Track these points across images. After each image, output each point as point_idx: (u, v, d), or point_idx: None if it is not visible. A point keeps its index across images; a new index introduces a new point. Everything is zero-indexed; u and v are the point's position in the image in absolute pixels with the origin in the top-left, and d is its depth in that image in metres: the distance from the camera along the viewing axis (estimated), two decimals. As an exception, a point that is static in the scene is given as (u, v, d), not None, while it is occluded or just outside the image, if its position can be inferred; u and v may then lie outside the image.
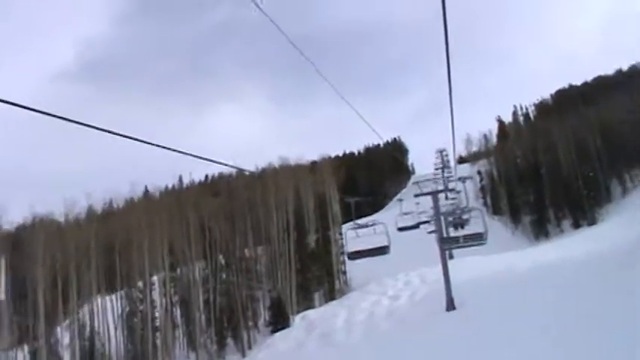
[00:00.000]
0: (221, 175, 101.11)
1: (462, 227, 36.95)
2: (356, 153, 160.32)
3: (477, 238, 29.25)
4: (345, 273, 72.19)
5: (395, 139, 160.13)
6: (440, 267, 35.75)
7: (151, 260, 59.81)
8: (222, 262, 63.47)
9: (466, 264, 45.46)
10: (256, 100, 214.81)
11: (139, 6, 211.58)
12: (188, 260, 61.28)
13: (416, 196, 39.92)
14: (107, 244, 61.99)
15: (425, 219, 37.64)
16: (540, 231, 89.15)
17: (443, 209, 38.28)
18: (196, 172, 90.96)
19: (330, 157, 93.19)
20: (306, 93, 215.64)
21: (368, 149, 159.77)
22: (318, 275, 68.29)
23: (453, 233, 36.54)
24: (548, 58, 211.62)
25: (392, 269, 52.25)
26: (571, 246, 52.56)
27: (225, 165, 10.24)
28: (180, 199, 71.61)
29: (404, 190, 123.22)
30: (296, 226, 67.06)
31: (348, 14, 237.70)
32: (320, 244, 71.34)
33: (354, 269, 67.75)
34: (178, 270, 62.74)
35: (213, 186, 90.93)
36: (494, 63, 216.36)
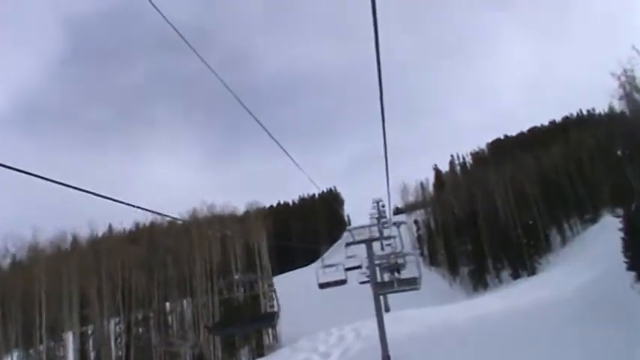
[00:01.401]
0: (141, 224, 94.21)
1: (398, 272, 36.67)
2: (290, 203, 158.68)
3: (412, 283, 29.50)
4: (274, 327, 69.09)
5: (330, 189, 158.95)
6: (375, 321, 33.56)
7: (64, 314, 55.60)
8: (139, 316, 59.53)
9: (403, 317, 43.47)
10: (190, 150, 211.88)
11: (74, 54, 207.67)
12: (102, 314, 57.16)
13: (348, 245, 37.82)
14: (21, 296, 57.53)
15: (354, 264, 35.66)
16: (479, 282, 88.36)
17: (378, 260, 36.53)
18: (115, 220, 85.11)
19: (259, 207, 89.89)
20: (240, 145, 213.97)
21: (303, 200, 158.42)
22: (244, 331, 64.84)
23: (387, 278, 34.67)
24: (480, 112, 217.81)
25: (325, 323, 50.88)
26: (511, 297, 51.60)
27: (149, 211, 9.89)
28: (94, 249, 67.03)
29: (339, 241, 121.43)
30: (221, 277, 63.87)
31: (282, 65, 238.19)
32: (247, 296, 67.97)
33: (285, 323, 64.93)
34: (92, 325, 58.44)
35: (132, 235, 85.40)
36: (429, 115, 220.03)
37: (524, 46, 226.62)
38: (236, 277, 67.22)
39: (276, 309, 24.03)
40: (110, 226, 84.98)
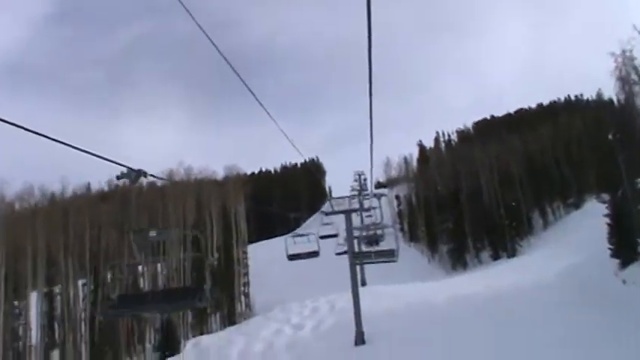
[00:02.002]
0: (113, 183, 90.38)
1: (377, 244, 34.98)
2: (272, 171, 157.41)
3: (389, 255, 29.42)
4: (248, 296, 68.08)
5: (313, 159, 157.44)
6: (351, 294, 32.56)
7: (29, 273, 54.03)
8: (109, 277, 57.97)
9: (379, 292, 42.68)
10: (173, 113, 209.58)
11: (59, 13, 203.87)
12: (69, 274, 55.63)
13: (327, 214, 37.09)
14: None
15: (330, 232, 34.76)
16: (458, 261, 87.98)
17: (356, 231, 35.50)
18: (88, 179, 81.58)
19: (239, 173, 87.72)
20: (223, 110, 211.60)
21: (285, 168, 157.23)
22: (217, 297, 63.65)
23: (365, 250, 34.44)
24: (468, 91, 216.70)
25: (301, 293, 50.55)
26: (491, 278, 50.87)
27: (122, 165, 8.89)
28: (63, 206, 64.96)
29: (319, 211, 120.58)
30: (195, 241, 62.32)
31: (269, 31, 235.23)
32: (222, 262, 66.75)
33: (260, 291, 64.24)
34: (60, 285, 56.91)
35: (105, 194, 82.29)
36: (417, 91, 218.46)
37: (519, 26, 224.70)
38: (210, 241, 65.70)
39: (207, 287, 18.01)
40: (83, 184, 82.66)
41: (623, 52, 41.58)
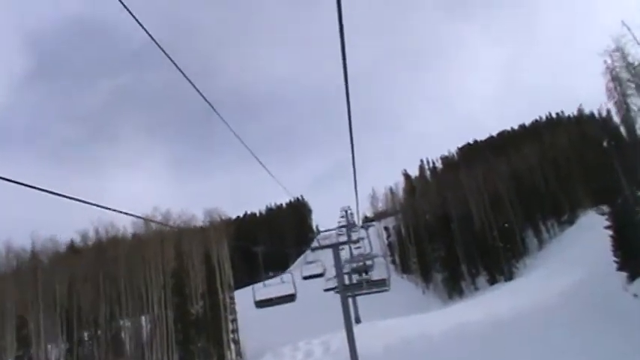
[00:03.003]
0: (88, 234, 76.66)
1: (366, 274, 33.17)
2: (257, 214, 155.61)
3: (381, 284, 28.52)
4: (237, 342, 65.33)
5: (298, 198, 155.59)
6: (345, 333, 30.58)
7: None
8: (85, 335, 55.14)
9: (375, 329, 40.87)
10: (155, 163, 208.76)
11: (40, 70, 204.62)
12: (40, 336, 52.50)
13: (313, 249, 35.22)
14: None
15: (315, 272, 32.93)
16: (454, 289, 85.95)
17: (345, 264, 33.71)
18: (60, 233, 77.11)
19: (220, 216, 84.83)
20: (205, 156, 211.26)
21: (270, 210, 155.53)
22: (203, 347, 60.72)
23: (355, 281, 32.71)
24: (447, 120, 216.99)
25: (293, 336, 48.70)
26: (489, 304, 49.28)
27: (105, 208, 8.08)
28: (33, 262, 61.75)
29: (307, 251, 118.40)
30: (178, 290, 59.70)
31: (249, 77, 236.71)
32: (207, 310, 63.97)
33: (249, 337, 61.89)
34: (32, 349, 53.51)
35: (78, 248, 76.91)
36: (395, 125, 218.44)
37: (490, 53, 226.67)
38: (194, 290, 63.22)
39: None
40: (53, 237, 76.71)
41: (616, 49, 40.24)
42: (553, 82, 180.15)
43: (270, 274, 33.89)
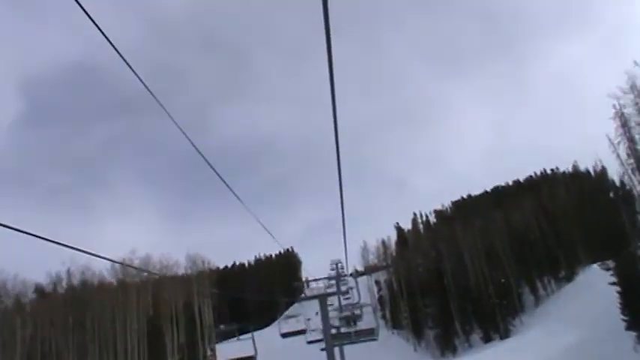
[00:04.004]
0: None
1: (355, 323, 31.95)
2: (246, 264, 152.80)
3: (368, 333, 28.97)
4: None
5: (288, 249, 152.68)
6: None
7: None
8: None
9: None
10: (145, 214, 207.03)
11: (31, 117, 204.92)
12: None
13: (300, 300, 33.72)
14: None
15: (295, 329, 31.61)
16: (447, 346, 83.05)
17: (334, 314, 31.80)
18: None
19: (204, 262, 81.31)
20: (195, 209, 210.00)
21: (259, 260, 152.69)
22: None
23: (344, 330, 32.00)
24: (438, 179, 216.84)
25: None
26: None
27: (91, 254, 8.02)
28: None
29: (296, 304, 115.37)
30: (154, 340, 56.16)
31: (239, 132, 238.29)
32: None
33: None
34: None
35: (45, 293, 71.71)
36: (385, 181, 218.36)
37: (479, 111, 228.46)
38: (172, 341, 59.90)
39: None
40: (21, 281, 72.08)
41: (631, 87, 38.87)
42: (544, 142, 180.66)
43: (234, 325, 35.97)
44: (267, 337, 31.26)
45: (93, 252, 8.17)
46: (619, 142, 41.37)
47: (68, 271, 62.77)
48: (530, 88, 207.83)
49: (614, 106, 40.27)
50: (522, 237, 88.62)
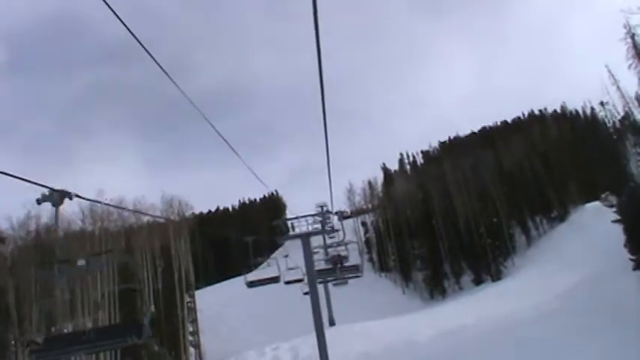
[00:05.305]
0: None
1: (342, 264, 31.90)
2: (230, 209, 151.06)
3: (353, 270, 30.17)
4: (198, 346, 60.37)
5: (272, 193, 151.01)
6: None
7: None
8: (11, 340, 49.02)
9: (352, 333, 36.93)
10: (127, 159, 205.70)
11: (10, 63, 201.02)
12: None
13: (284, 238, 33.35)
14: None
15: (294, 278, 32.07)
16: (436, 288, 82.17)
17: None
18: None
19: (182, 205, 78.32)
20: (178, 153, 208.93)
21: (243, 205, 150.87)
22: (157, 352, 55.01)
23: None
24: (423, 122, 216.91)
25: (261, 340, 47.33)
26: (479, 307, 45.55)
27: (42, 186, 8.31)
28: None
29: (280, 249, 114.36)
30: (127, 290, 53.73)
31: (221, 77, 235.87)
32: (163, 310, 58.29)
33: (214, 340, 57.60)
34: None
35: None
36: (372, 123, 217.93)
37: (464, 55, 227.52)
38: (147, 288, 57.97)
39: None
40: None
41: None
42: (530, 84, 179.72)
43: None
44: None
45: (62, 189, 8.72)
46: (630, 65, 39.70)
47: (29, 214, 58.97)
48: (513, 32, 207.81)
49: (624, 25, 38.40)
50: (512, 176, 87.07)
